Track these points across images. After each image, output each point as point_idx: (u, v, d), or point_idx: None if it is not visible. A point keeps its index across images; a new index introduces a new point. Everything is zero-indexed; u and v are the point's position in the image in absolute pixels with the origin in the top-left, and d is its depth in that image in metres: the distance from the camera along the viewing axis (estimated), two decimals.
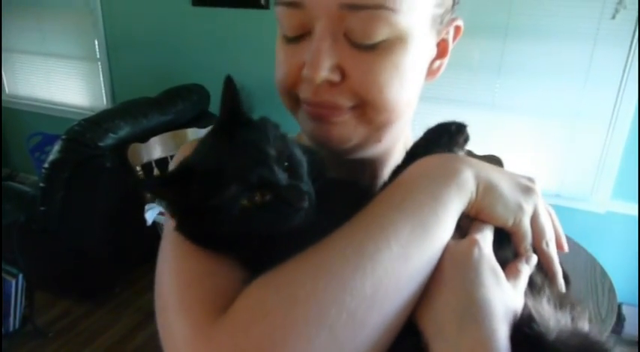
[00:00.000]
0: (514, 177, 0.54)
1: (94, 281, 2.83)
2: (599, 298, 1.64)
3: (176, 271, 0.50)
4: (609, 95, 2.41)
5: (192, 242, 0.49)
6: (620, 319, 2.54)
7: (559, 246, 0.55)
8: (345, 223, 0.46)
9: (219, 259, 0.48)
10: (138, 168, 2.39)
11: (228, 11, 3.09)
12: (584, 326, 0.47)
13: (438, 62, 0.60)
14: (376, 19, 0.49)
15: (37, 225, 2.55)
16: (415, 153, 0.56)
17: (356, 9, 0.49)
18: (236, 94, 0.49)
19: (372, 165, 0.65)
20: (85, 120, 2.53)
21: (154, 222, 2.27)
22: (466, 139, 0.57)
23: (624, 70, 2.35)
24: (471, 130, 0.57)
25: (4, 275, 2.41)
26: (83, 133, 2.45)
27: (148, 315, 2.71)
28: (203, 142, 0.51)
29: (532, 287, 0.50)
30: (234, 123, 0.48)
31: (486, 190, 0.50)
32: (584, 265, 1.84)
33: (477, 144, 0.65)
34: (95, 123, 2.50)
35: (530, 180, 0.54)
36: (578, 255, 1.87)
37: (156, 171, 2.44)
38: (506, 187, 0.51)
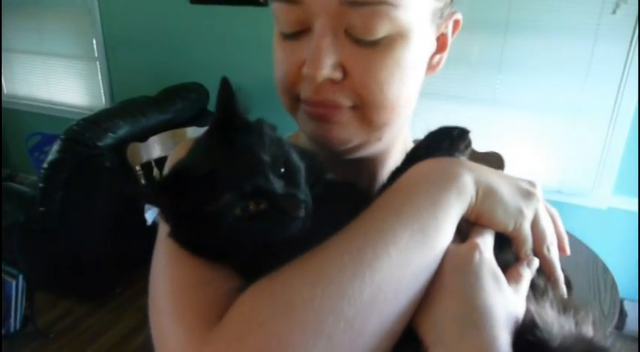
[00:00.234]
0: (515, 181, 0.53)
1: (94, 281, 2.83)
2: (602, 294, 1.64)
3: (170, 278, 0.49)
4: (610, 90, 2.40)
5: (186, 249, 0.48)
6: (622, 315, 2.54)
7: (561, 249, 0.55)
8: (343, 228, 0.45)
9: (213, 266, 0.48)
10: (137, 168, 2.38)
11: (226, 9, 3.08)
12: (589, 331, 0.46)
13: (437, 57, 0.59)
14: (377, 15, 0.48)
15: (36, 225, 2.54)
16: (415, 155, 0.56)
17: (357, 5, 0.48)
18: (232, 96, 0.48)
19: (370, 165, 0.64)
20: (84, 119, 2.52)
21: (154, 222, 2.26)
22: (467, 145, 0.56)
23: (625, 65, 2.34)
24: (471, 129, 0.56)
25: (4, 276, 2.41)
26: (82, 133, 2.44)
27: (148, 316, 2.70)
28: (197, 144, 0.50)
29: (534, 290, 0.49)
30: (230, 126, 0.47)
31: (486, 195, 0.49)
32: (585, 261, 1.83)
33: (477, 140, 0.64)
34: (94, 122, 2.49)
35: (532, 184, 0.54)
36: (579, 252, 1.86)
37: (155, 171, 2.44)
38: (506, 192, 0.50)
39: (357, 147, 0.58)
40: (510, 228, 0.50)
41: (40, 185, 2.48)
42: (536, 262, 0.51)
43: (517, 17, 2.43)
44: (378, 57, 0.50)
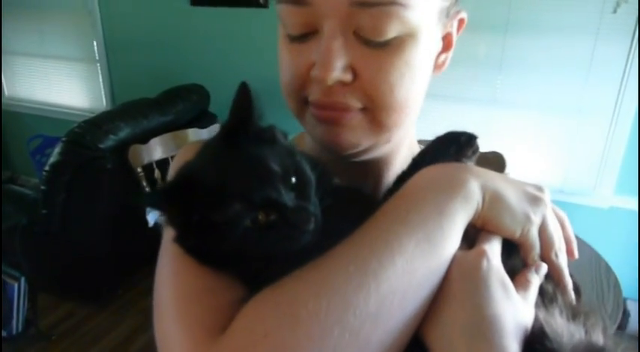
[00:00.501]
0: (522, 186, 0.52)
1: (96, 283, 2.83)
2: (605, 294, 1.63)
3: (175, 285, 0.49)
4: (611, 89, 2.39)
5: (191, 256, 0.48)
6: (625, 315, 2.53)
7: (569, 254, 0.54)
8: (348, 235, 0.45)
9: (217, 274, 0.47)
10: (139, 170, 2.38)
11: (227, 10, 3.08)
12: (599, 338, 0.45)
13: (443, 56, 0.59)
14: (387, 16, 0.48)
15: (39, 227, 2.55)
16: (422, 160, 0.55)
17: (367, 6, 0.47)
18: (250, 102, 0.47)
19: (377, 167, 0.63)
20: (85, 122, 2.52)
21: (156, 224, 2.26)
22: (475, 151, 0.55)
23: (626, 64, 2.33)
24: (479, 135, 0.55)
25: (6, 278, 2.41)
26: (83, 135, 2.44)
27: (150, 317, 2.70)
28: (207, 148, 0.49)
29: (543, 296, 0.48)
30: (243, 133, 0.46)
31: (493, 201, 0.48)
32: (588, 261, 1.83)
33: (478, 140, 0.64)
34: (95, 124, 2.49)
35: (539, 188, 0.53)
36: (582, 251, 1.84)
37: (157, 173, 2.44)
38: (513, 197, 0.50)
39: (366, 150, 0.57)
40: (517, 234, 0.49)
41: (42, 187, 2.49)
42: (544, 268, 0.50)
43: (517, 17, 2.43)
44: (387, 58, 0.50)
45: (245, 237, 0.42)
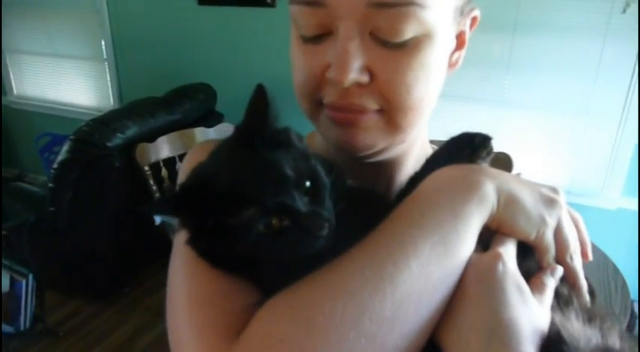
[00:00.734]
0: (537, 188, 0.52)
1: (103, 280, 2.85)
2: (612, 296, 1.62)
3: (188, 289, 0.49)
4: (620, 90, 2.38)
5: (204, 259, 0.47)
6: (632, 317, 2.52)
7: (584, 256, 0.53)
8: (362, 238, 0.44)
9: (231, 278, 0.47)
10: (146, 168, 2.39)
11: (234, 10, 3.09)
12: (616, 343, 0.45)
13: (456, 54, 0.58)
14: (405, 16, 0.47)
15: (46, 225, 2.57)
16: (436, 161, 0.54)
17: (385, 6, 0.47)
18: (266, 105, 0.46)
19: (389, 168, 0.63)
20: (93, 120, 2.53)
21: (163, 222, 2.27)
22: (489, 152, 0.54)
23: (635, 65, 2.32)
24: (494, 136, 0.54)
25: (14, 275, 2.43)
26: (91, 133, 2.46)
27: (157, 315, 2.72)
28: (220, 150, 0.48)
29: (558, 299, 0.48)
30: (258, 135, 0.46)
31: (508, 203, 0.48)
32: (596, 262, 1.82)
33: (492, 141, 0.63)
34: (103, 123, 2.51)
35: (554, 190, 0.52)
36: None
37: (164, 171, 2.45)
38: (528, 200, 0.49)
39: (381, 151, 0.57)
40: (533, 236, 0.49)
41: (50, 185, 2.50)
42: (560, 270, 0.50)
43: (526, 17, 2.42)
44: (404, 59, 0.50)
45: (258, 241, 0.42)
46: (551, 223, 0.50)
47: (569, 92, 2.46)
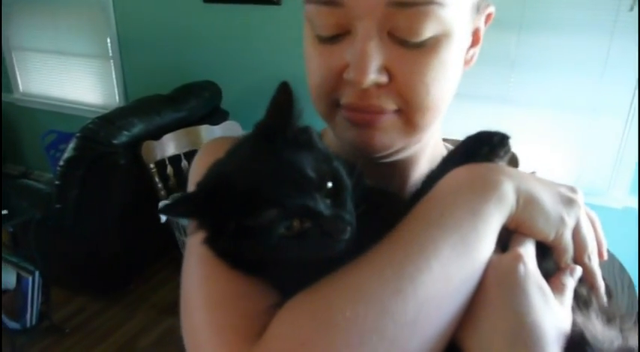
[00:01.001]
0: (556, 187, 0.51)
1: (108, 277, 2.86)
2: (619, 294, 1.61)
3: (206, 290, 0.48)
4: (627, 88, 2.36)
5: (222, 259, 0.47)
6: (639, 315, 2.50)
7: (599, 255, 0.53)
8: (380, 239, 0.44)
9: (249, 279, 0.46)
10: (151, 165, 2.40)
11: (239, 7, 3.09)
12: (636, 343, 0.44)
13: (471, 51, 0.57)
14: (424, 15, 0.46)
15: (52, 222, 2.58)
16: (452, 160, 0.53)
17: (404, 6, 0.46)
18: (290, 103, 0.45)
19: (404, 167, 0.62)
20: (99, 118, 2.54)
21: (168, 219, 2.28)
22: (507, 151, 0.53)
23: None
24: (512, 135, 0.54)
25: (21, 271, 2.44)
26: (97, 131, 2.47)
27: (163, 311, 2.73)
28: (240, 148, 0.47)
29: (577, 299, 0.48)
30: (280, 135, 0.45)
31: (527, 203, 0.47)
32: (602, 261, 1.81)
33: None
34: (109, 120, 2.52)
35: (573, 190, 0.52)
36: None
37: (169, 169, 2.46)
38: (547, 200, 0.48)
39: (397, 151, 0.56)
40: (551, 237, 0.48)
41: (56, 182, 2.51)
42: (578, 271, 0.49)
43: (532, 14, 2.41)
44: (423, 59, 0.49)
45: (278, 243, 0.41)
46: (570, 223, 0.49)
47: (575, 90, 2.45)
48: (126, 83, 3.76)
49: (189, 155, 2.55)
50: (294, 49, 3.04)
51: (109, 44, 3.67)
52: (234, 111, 3.09)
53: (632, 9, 2.23)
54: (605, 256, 0.53)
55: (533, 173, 0.54)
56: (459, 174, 0.49)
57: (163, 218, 2.27)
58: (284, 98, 0.45)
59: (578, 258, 0.50)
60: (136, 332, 2.62)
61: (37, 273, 2.46)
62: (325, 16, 0.49)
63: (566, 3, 2.33)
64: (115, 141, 2.46)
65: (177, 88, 2.98)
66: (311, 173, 0.42)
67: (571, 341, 0.43)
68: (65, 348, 2.52)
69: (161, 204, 2.31)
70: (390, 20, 0.47)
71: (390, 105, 0.51)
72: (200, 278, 0.49)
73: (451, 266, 0.42)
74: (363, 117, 0.51)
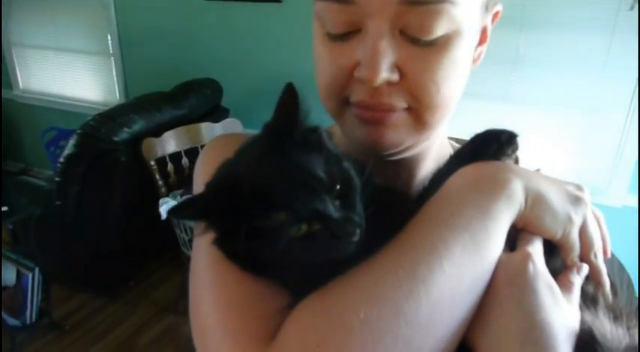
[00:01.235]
0: (563, 186, 0.51)
1: (109, 274, 2.86)
2: (618, 293, 1.62)
3: (217, 292, 0.48)
4: (627, 87, 2.37)
5: (231, 260, 0.47)
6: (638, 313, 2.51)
7: (603, 252, 0.53)
8: (390, 239, 0.44)
9: (259, 280, 0.46)
10: (152, 163, 2.40)
11: (240, 5, 3.09)
12: None
13: (479, 49, 0.57)
14: (436, 14, 0.46)
15: (53, 218, 2.58)
16: (460, 159, 0.53)
17: (417, 4, 0.46)
18: (296, 104, 0.45)
19: (411, 165, 0.62)
20: (100, 114, 2.54)
21: (168, 216, 2.28)
22: (514, 150, 0.53)
23: None
24: (520, 133, 0.54)
25: (21, 268, 2.44)
26: (98, 128, 2.46)
27: (163, 308, 2.74)
28: (249, 149, 0.47)
29: (584, 297, 0.48)
30: (288, 136, 0.45)
31: (535, 201, 0.47)
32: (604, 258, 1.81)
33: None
34: (110, 117, 2.52)
35: (580, 188, 0.52)
36: None
37: (170, 166, 2.46)
38: (555, 198, 0.49)
39: (406, 149, 0.56)
40: (559, 235, 0.49)
41: (57, 179, 2.51)
42: (585, 269, 0.49)
43: (533, 13, 2.41)
44: (434, 57, 0.49)
45: (288, 245, 0.41)
46: (577, 221, 0.49)
47: (575, 89, 2.45)
48: (126, 80, 3.75)
49: (190, 152, 2.55)
50: (295, 47, 3.05)
51: (110, 41, 3.67)
52: (235, 108, 3.09)
53: (632, 8, 2.23)
54: (609, 253, 0.54)
55: (538, 170, 0.54)
56: (468, 172, 0.49)
57: (164, 215, 2.27)
58: (289, 99, 0.45)
59: (585, 256, 0.50)
60: (136, 330, 2.62)
61: (37, 270, 2.46)
62: (336, 14, 0.49)
63: (567, 2, 2.34)
64: (115, 138, 2.46)
65: (178, 85, 2.98)
66: (320, 175, 0.42)
67: (580, 339, 0.43)
68: (65, 345, 2.52)
69: (161, 201, 2.31)
70: (401, 18, 0.47)
71: (401, 103, 0.50)
72: (210, 279, 0.49)
73: (462, 266, 0.42)
74: (374, 115, 0.51)
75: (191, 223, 2.26)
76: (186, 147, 2.56)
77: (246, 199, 0.41)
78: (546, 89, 2.51)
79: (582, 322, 0.45)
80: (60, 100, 4.09)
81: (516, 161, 0.74)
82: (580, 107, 2.48)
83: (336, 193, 0.43)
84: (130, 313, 2.73)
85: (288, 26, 2.90)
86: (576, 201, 0.50)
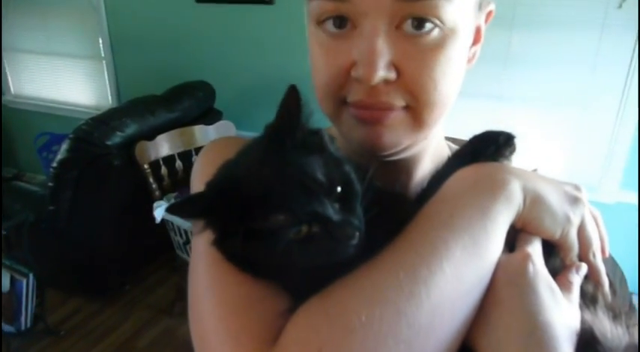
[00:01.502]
0: (561, 186, 0.52)
1: (104, 278, 2.85)
2: (617, 292, 1.63)
3: (217, 294, 0.47)
4: (617, 84, 2.39)
5: (231, 261, 0.46)
6: (631, 309, 2.52)
7: (602, 252, 0.53)
8: (391, 241, 0.44)
9: (260, 283, 0.46)
10: (146, 166, 2.40)
11: (232, 7, 3.09)
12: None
13: (473, 49, 0.57)
14: (432, 9, 0.46)
15: (46, 224, 2.56)
16: (458, 160, 0.53)
17: (412, 1, 0.46)
18: (298, 106, 0.45)
19: (408, 165, 0.61)
20: (93, 119, 2.53)
21: (163, 220, 2.28)
22: (512, 151, 0.54)
23: (631, 60, 2.33)
24: (517, 135, 0.54)
25: (15, 274, 2.43)
26: (91, 132, 2.45)
27: (158, 312, 2.73)
28: (250, 150, 0.47)
29: (584, 296, 0.48)
30: (289, 138, 0.45)
31: (534, 202, 0.48)
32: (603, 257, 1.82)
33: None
34: (102, 121, 2.50)
35: (577, 188, 0.52)
36: None
37: (163, 169, 2.45)
38: (554, 198, 0.49)
39: (404, 149, 0.56)
40: (557, 235, 0.49)
41: (50, 184, 2.50)
42: (584, 268, 0.50)
43: (523, 12, 2.42)
44: (431, 54, 0.49)
45: (287, 247, 0.41)
46: (575, 221, 0.50)
47: (566, 86, 2.47)
48: (119, 84, 3.74)
49: (184, 155, 2.55)
50: (288, 49, 3.05)
51: (101, 45, 3.65)
52: (228, 110, 3.08)
53: (620, 6, 2.25)
54: (607, 253, 0.54)
55: (534, 171, 0.54)
56: (466, 173, 0.49)
57: (158, 218, 2.26)
58: (291, 101, 0.45)
59: (583, 256, 0.51)
60: (133, 333, 2.61)
61: (31, 276, 2.45)
62: (330, 11, 0.49)
63: (557, 1, 2.36)
64: (108, 142, 2.46)
65: (171, 88, 2.98)
66: (320, 177, 0.42)
67: (581, 339, 0.43)
68: (61, 351, 2.51)
69: (156, 205, 2.30)
70: (397, 15, 0.47)
71: (399, 101, 0.50)
72: (210, 280, 0.48)
73: (463, 267, 0.42)
74: (372, 114, 0.51)
75: (186, 225, 2.26)
76: (179, 150, 2.55)
77: (245, 200, 0.42)
78: (537, 87, 2.53)
79: (582, 321, 0.45)
80: (52, 105, 4.07)
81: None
82: (571, 104, 2.50)
83: (335, 196, 0.43)
84: (125, 317, 2.72)
85: (281, 28, 2.90)
86: (574, 201, 0.51)
